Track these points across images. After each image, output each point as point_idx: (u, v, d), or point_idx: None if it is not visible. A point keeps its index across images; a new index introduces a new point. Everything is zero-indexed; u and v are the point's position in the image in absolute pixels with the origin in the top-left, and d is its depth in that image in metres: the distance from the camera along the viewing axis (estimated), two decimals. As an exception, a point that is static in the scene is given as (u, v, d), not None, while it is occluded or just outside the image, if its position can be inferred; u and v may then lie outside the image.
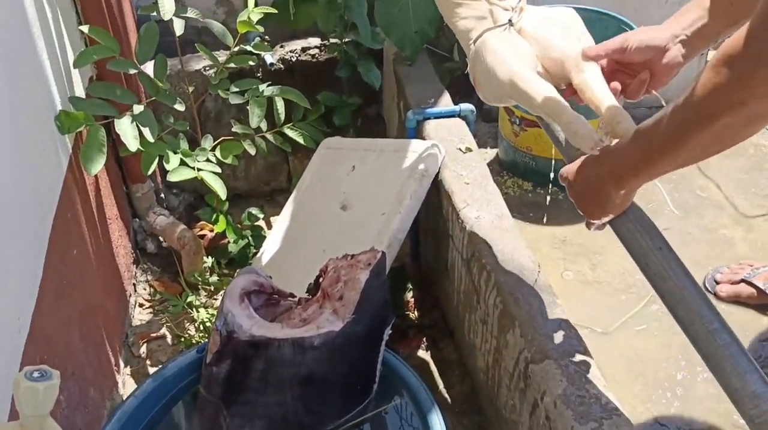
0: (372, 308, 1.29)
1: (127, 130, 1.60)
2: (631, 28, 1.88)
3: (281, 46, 2.31)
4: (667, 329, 1.57)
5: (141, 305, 2.06)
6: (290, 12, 2.20)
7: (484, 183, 1.63)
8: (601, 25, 1.93)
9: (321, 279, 1.38)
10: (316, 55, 2.29)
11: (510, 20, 1.17)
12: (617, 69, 1.10)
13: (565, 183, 1.10)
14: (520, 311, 1.30)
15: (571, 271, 1.75)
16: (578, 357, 1.21)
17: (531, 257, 1.42)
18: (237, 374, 1.29)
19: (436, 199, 1.71)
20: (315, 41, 2.31)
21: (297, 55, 2.28)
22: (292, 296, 1.43)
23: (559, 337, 1.24)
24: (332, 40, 2.25)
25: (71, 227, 1.54)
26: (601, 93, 1.03)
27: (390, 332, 1.33)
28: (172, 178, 1.67)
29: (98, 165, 1.56)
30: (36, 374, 0.87)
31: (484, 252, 1.44)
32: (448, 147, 1.74)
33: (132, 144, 1.59)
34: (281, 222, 1.94)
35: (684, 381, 1.48)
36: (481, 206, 1.55)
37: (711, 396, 1.43)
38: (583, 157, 1.06)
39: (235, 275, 1.48)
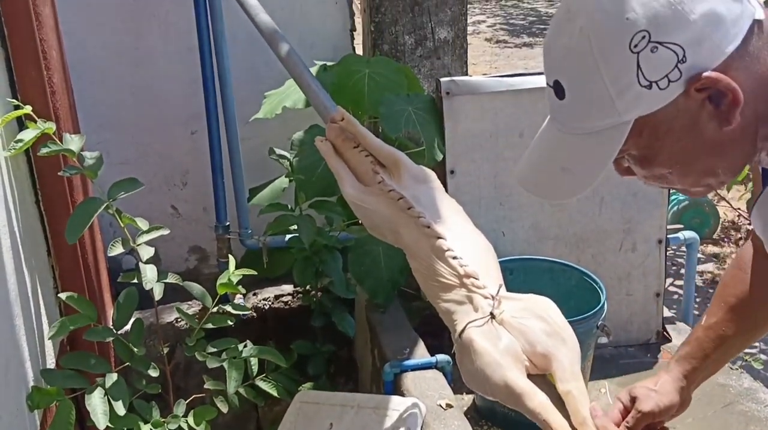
0: None
1: (97, 406, 1.54)
2: (593, 280, 1.99)
3: (254, 294, 2.34)
4: None
5: None
6: (263, 262, 2.28)
7: (469, 445, 1.60)
8: (564, 275, 2.03)
9: None
10: (290, 302, 2.32)
11: (492, 313, 1.22)
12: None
13: None
14: None
15: None
16: None
17: None
18: None
19: (419, 461, 1.65)
20: (288, 288, 2.36)
21: (270, 303, 2.31)
22: None
23: None
24: (305, 288, 2.30)
25: None
26: (582, 413, 1.06)
27: None
28: (143, 453, 1.59)
29: (65, 444, 1.48)
30: None
31: None
32: (428, 403, 1.72)
33: (101, 421, 1.53)
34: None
35: None
36: (468, 474, 1.51)
37: None
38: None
39: None
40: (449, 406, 1.73)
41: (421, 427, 1.66)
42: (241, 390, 1.98)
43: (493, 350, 1.18)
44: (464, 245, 1.32)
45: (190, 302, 2.22)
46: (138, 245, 1.70)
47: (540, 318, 1.20)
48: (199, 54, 2.26)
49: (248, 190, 2.38)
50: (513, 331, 1.20)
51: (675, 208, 3.61)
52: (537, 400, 1.11)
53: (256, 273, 1.84)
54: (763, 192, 0.85)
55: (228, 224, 2.37)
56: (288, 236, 2.25)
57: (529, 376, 1.16)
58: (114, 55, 2.35)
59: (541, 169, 0.89)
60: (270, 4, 2.32)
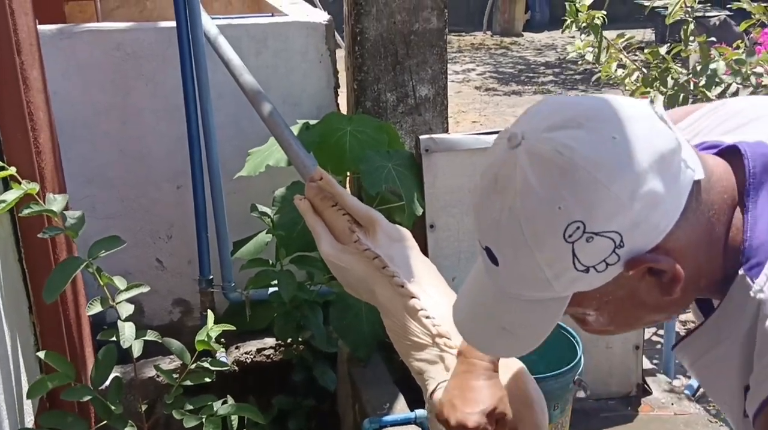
0: None
1: (74, 464, 1.54)
2: (570, 334, 2.01)
3: (236, 347, 2.35)
4: None
5: None
6: (246, 315, 2.30)
7: (446, 504, 1.59)
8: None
9: None
10: (272, 356, 2.33)
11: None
12: None
13: None
14: None
15: None
16: None
17: None
18: None
19: None
20: (270, 341, 2.37)
21: (252, 356, 2.32)
22: None
23: None
24: (288, 341, 2.31)
25: None
26: None
27: None
28: None
29: (39, 506, 1.47)
30: None
31: None
32: (406, 461, 1.72)
33: (78, 480, 1.52)
34: None
35: None
36: None
37: None
38: None
39: None
40: (427, 463, 1.73)
41: (399, 485, 1.66)
42: (222, 448, 1.98)
43: None
44: (437, 304, 1.35)
45: (171, 357, 2.22)
46: (117, 303, 1.72)
47: (506, 367, 1.23)
48: (185, 111, 2.32)
49: (232, 243, 2.41)
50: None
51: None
52: None
53: (234, 328, 1.85)
54: (691, 334, 0.83)
55: (211, 277, 2.39)
56: (270, 290, 2.28)
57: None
58: (101, 112, 2.41)
59: (479, 323, 0.86)
60: (254, 62, 2.41)
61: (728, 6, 3.11)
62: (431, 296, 1.36)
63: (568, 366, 1.85)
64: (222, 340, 2.29)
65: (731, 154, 0.78)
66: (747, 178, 0.75)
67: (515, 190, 0.71)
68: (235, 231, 2.42)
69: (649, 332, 3.24)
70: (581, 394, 1.96)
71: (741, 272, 0.74)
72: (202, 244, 2.38)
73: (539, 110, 0.75)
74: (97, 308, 1.66)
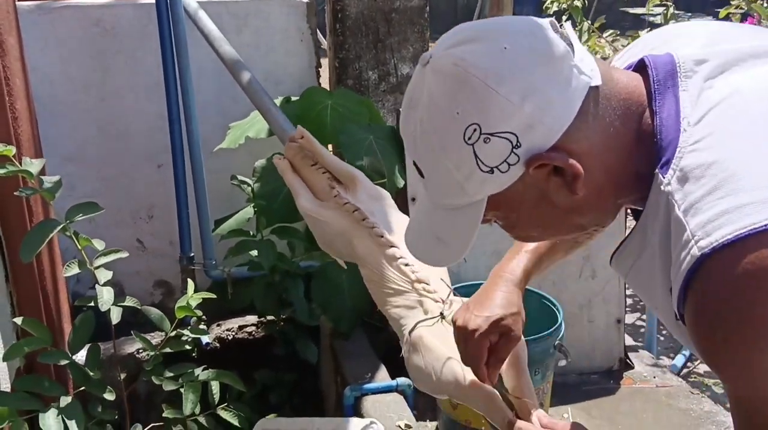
0: None
1: (51, 426, 1.52)
2: (551, 303, 2.02)
3: (218, 325, 2.33)
4: None
5: None
6: (228, 293, 2.28)
7: (427, 464, 1.59)
8: (524, 299, 2.05)
9: None
10: (253, 333, 2.31)
11: (442, 313, 1.25)
12: None
13: None
14: None
15: None
16: None
17: None
18: None
19: (379, 484, 1.64)
20: (252, 319, 2.35)
21: (234, 333, 2.30)
22: None
23: None
24: (270, 317, 2.30)
25: None
26: (529, 397, 1.10)
27: None
28: (95, 477, 1.56)
29: (15, 468, 1.45)
30: None
31: None
32: (387, 424, 1.72)
33: (54, 442, 1.50)
34: None
35: None
36: (426, 491, 1.49)
37: None
38: None
39: None
40: (408, 427, 1.73)
41: (380, 448, 1.65)
42: (202, 420, 1.96)
43: (443, 346, 1.20)
44: (416, 253, 1.35)
45: (152, 334, 2.20)
46: (95, 269, 1.70)
47: None
48: (165, 89, 2.31)
49: (213, 221, 2.40)
50: None
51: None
52: (484, 391, 1.12)
53: (215, 296, 1.84)
54: (623, 243, 0.87)
55: (192, 254, 2.38)
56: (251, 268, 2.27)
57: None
58: (81, 90, 2.39)
59: (420, 237, 0.92)
60: (235, 40, 2.40)
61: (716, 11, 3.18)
62: (410, 246, 1.36)
63: (549, 330, 1.85)
64: (203, 317, 2.28)
65: (642, 68, 0.82)
66: (652, 86, 0.79)
67: (423, 104, 0.79)
68: (217, 210, 2.41)
69: (633, 317, 3.26)
70: (563, 362, 1.96)
71: (656, 172, 0.77)
72: (183, 221, 2.37)
73: (448, 34, 0.81)
74: (74, 270, 1.64)
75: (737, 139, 0.74)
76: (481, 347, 1.08)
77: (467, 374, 1.17)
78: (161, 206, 2.53)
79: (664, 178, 0.76)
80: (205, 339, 2.21)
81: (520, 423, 1.05)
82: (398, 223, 1.43)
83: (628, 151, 0.79)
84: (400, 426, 1.72)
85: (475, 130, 0.75)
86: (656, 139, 0.77)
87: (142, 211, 2.54)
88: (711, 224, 0.71)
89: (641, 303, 3.33)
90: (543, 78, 0.75)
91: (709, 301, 0.72)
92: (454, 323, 1.13)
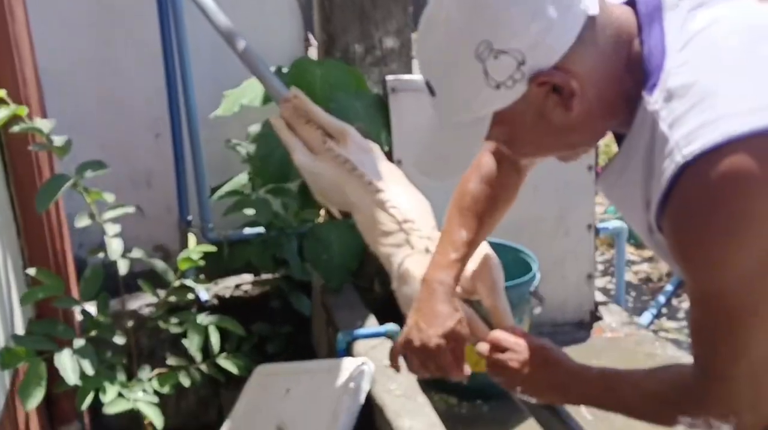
0: None
1: (66, 363, 1.65)
2: (527, 255, 2.18)
3: (215, 283, 2.47)
4: None
5: None
6: (224, 254, 2.42)
7: (414, 395, 1.74)
8: (501, 253, 2.18)
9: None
10: (249, 291, 2.45)
11: (427, 248, 1.40)
12: None
13: (511, 347, 1.12)
14: None
15: (503, 477, 1.81)
16: None
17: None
18: None
19: (369, 417, 1.79)
20: (248, 277, 2.49)
21: (231, 290, 2.43)
22: None
23: None
24: (264, 276, 2.43)
25: (1, 466, 1.51)
26: (506, 322, 1.23)
27: None
28: (109, 410, 1.70)
29: (36, 400, 1.58)
30: None
31: (419, 460, 1.51)
32: (377, 363, 1.86)
33: (71, 377, 1.63)
34: (215, 452, 1.93)
35: None
36: (413, 416, 1.65)
37: None
38: (539, 350, 1.09)
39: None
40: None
41: (370, 383, 1.80)
42: (203, 367, 2.10)
43: None
44: (402, 196, 1.50)
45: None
46: (104, 222, 1.83)
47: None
48: (164, 61, 2.43)
49: (210, 188, 2.53)
50: None
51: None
52: (466, 311, 1.27)
53: (215, 249, 1.97)
54: (608, 164, 0.97)
55: (190, 218, 2.51)
56: (247, 230, 2.41)
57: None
58: (80, 62, 2.50)
59: (427, 153, 1.02)
60: (228, 15, 2.52)
61: None
62: (396, 191, 1.51)
63: (524, 278, 2.01)
64: (201, 276, 2.41)
65: (632, 1, 0.94)
66: (641, 18, 0.90)
67: (441, 22, 0.88)
68: (211, 178, 2.54)
69: (603, 281, 3.44)
70: (538, 309, 2.12)
71: (643, 93, 0.88)
72: (181, 187, 2.50)
73: None
74: (85, 222, 1.77)
75: (717, 62, 0.85)
76: (447, 359, 1.15)
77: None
78: (159, 174, 2.66)
79: (650, 98, 0.86)
80: (204, 295, 2.34)
81: (496, 332, 1.19)
82: (386, 171, 1.58)
83: (619, 76, 0.88)
84: (388, 366, 1.87)
85: (486, 46, 0.84)
86: (644, 65, 0.88)
87: (140, 178, 2.67)
88: (693, 134, 0.81)
89: (611, 268, 3.51)
90: (549, 2, 0.83)
91: (689, 202, 0.81)
92: (410, 343, 1.16)
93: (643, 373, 0.98)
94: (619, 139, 1.00)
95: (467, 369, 1.17)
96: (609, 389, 1.00)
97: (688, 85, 0.84)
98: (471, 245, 1.23)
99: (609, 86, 0.90)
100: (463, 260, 1.22)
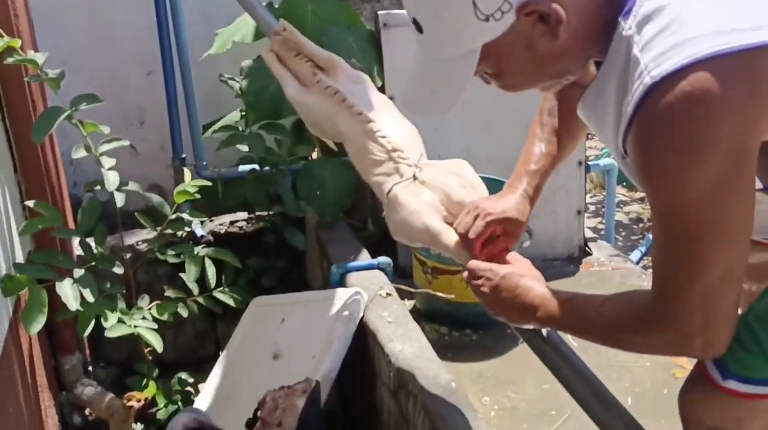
0: (309, 432, 1.38)
1: (68, 291, 1.69)
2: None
3: (210, 220, 2.50)
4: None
5: (66, 479, 2.00)
6: (219, 191, 2.45)
7: (405, 322, 1.80)
8: (493, 187, 2.24)
9: (259, 411, 1.45)
10: (244, 227, 2.49)
11: (414, 175, 1.43)
12: None
13: (484, 274, 1.19)
14: (446, 427, 1.41)
15: (489, 397, 1.89)
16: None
17: (452, 380, 1.56)
18: None
19: (362, 343, 1.85)
20: (242, 215, 2.53)
21: (226, 227, 2.47)
22: (231, 435, 1.49)
23: (483, 445, 1.36)
24: (259, 213, 2.47)
25: (8, 386, 1.57)
26: None
27: (327, 459, 1.40)
28: (110, 334, 1.75)
29: (39, 325, 1.63)
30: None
31: (410, 379, 1.57)
32: (370, 293, 1.91)
33: (72, 304, 1.68)
34: (213, 378, 2.00)
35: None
36: (404, 340, 1.71)
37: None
38: (511, 275, 1.16)
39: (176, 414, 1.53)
40: (389, 295, 1.93)
41: (363, 310, 1.86)
42: (201, 300, 2.16)
43: (415, 202, 1.39)
44: (391, 126, 1.53)
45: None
46: (100, 155, 1.85)
47: (455, 174, 1.42)
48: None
49: (202, 126, 2.55)
50: (432, 188, 1.42)
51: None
52: (451, 237, 1.32)
53: (210, 184, 2.00)
54: (585, 90, 1.01)
55: (184, 155, 2.53)
56: (241, 168, 2.43)
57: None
58: (71, 0, 2.48)
59: (416, 90, 1.04)
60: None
61: None
62: (386, 121, 1.54)
63: (514, 210, 2.05)
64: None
65: None
66: None
67: None
68: (204, 116, 2.55)
69: (594, 221, 3.48)
70: (527, 243, 2.16)
71: (618, 19, 0.91)
72: (173, 125, 2.51)
73: None
74: (81, 153, 1.79)
75: None
76: (486, 227, 1.26)
77: (436, 224, 1.36)
78: (151, 112, 2.66)
79: (625, 23, 0.89)
80: (198, 231, 2.38)
81: (472, 262, 1.24)
82: (376, 101, 1.60)
83: (599, 3, 0.92)
84: (381, 295, 1.93)
85: None
86: None
87: (133, 117, 2.67)
88: (661, 56, 0.83)
89: (603, 209, 3.55)
90: None
91: (652, 121, 0.84)
92: (474, 204, 1.30)
93: (606, 297, 1.03)
94: (598, 66, 1.03)
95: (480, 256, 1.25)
96: (575, 312, 1.06)
97: (659, 9, 0.86)
98: (549, 157, 1.31)
99: (591, 14, 0.93)
100: (545, 172, 1.30)
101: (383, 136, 1.50)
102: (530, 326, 1.18)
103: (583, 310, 1.03)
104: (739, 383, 0.93)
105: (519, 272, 1.16)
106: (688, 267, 0.86)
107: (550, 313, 1.07)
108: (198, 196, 1.95)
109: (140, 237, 2.37)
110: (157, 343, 1.81)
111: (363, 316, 1.84)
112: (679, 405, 1.03)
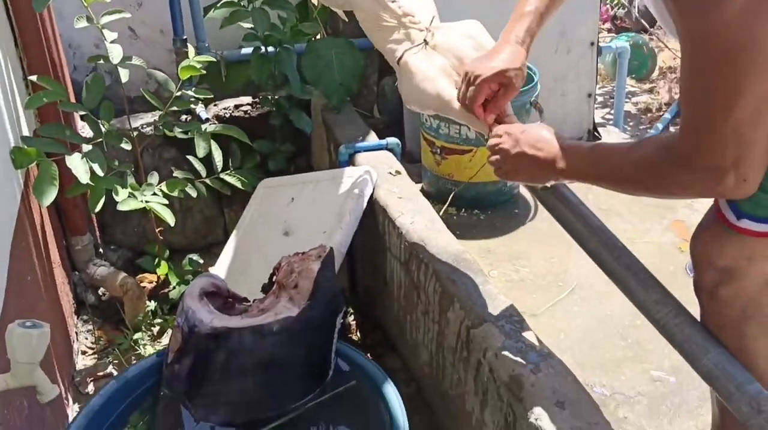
0: (325, 295, 1.41)
1: (78, 164, 1.69)
2: (529, 68, 2.16)
3: (215, 105, 2.47)
4: (587, 313, 1.75)
5: (84, 353, 2.06)
6: (222, 74, 2.40)
7: (415, 197, 1.81)
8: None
9: (275, 276, 1.48)
10: (249, 111, 2.46)
11: (425, 40, 1.40)
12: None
13: (499, 136, 1.19)
14: (457, 290, 1.45)
15: (497, 271, 1.93)
16: (512, 318, 1.36)
17: (462, 248, 1.58)
18: (199, 368, 1.36)
19: (372, 220, 1.86)
20: (247, 99, 2.49)
21: (230, 111, 2.44)
22: (246, 300, 1.53)
23: (492, 305, 1.39)
24: (263, 94, 2.43)
25: (24, 255, 1.59)
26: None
27: (342, 320, 1.44)
28: (122, 207, 1.76)
29: (50, 197, 1.64)
30: (28, 324, 0.94)
31: (421, 249, 1.59)
32: (379, 171, 1.91)
33: (83, 177, 1.68)
34: (225, 256, 2.03)
35: (606, 352, 1.64)
36: (414, 214, 1.72)
37: (628, 359, 1.61)
38: (531, 128, 1.15)
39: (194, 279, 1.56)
40: (398, 173, 1.93)
41: (373, 187, 1.86)
42: (209, 182, 2.16)
43: (426, 68, 1.36)
44: (403, -7, 1.47)
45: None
46: (102, 27, 1.80)
47: (468, 37, 1.38)
48: None
49: (203, 9, 2.46)
50: (444, 53, 1.38)
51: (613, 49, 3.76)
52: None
53: (214, 59, 1.95)
54: None
55: (185, 37, 2.45)
56: (244, 50, 2.37)
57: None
58: None
59: None
60: None
61: None
62: (397, -13, 1.48)
63: (525, 88, 2.02)
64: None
65: None
66: None
67: None
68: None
69: (603, 112, 3.45)
70: (539, 122, 2.14)
71: None
72: (174, 5, 2.42)
73: None
74: (83, 23, 1.74)
75: None
76: (480, 89, 1.23)
77: (448, 90, 1.33)
78: (150, -7, 2.57)
79: None
80: (203, 114, 2.34)
81: (499, 126, 1.23)
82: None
83: None
84: (390, 173, 1.93)
85: None
86: None
87: (131, -2, 2.58)
88: None
89: (611, 100, 3.50)
90: None
91: None
92: (466, 71, 1.26)
93: (632, 143, 1.01)
94: None
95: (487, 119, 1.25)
96: (600, 159, 1.04)
97: None
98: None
99: None
100: (537, 13, 1.24)
101: (393, 1, 1.45)
102: (550, 184, 1.18)
103: (609, 157, 1.02)
104: (752, 222, 0.94)
105: (538, 126, 1.15)
106: (720, 97, 0.84)
107: (574, 163, 1.06)
108: (204, 71, 1.91)
109: (145, 120, 2.34)
110: (169, 217, 1.82)
111: (373, 193, 1.85)
112: (691, 248, 1.04)
